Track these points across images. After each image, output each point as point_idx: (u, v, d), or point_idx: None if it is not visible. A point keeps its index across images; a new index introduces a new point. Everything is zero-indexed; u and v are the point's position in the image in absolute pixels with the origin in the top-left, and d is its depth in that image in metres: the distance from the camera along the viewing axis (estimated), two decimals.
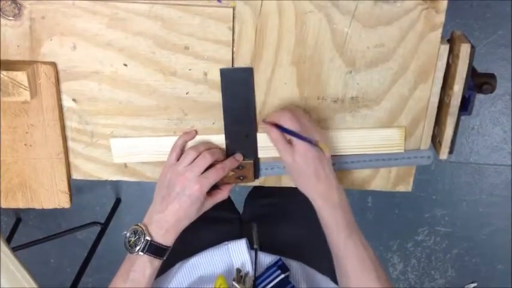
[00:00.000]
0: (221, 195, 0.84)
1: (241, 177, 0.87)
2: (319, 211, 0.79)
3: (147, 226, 0.79)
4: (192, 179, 0.78)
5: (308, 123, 0.79)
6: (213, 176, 0.80)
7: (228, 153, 0.85)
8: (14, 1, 0.76)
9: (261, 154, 0.87)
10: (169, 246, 0.80)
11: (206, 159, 0.80)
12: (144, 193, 1.99)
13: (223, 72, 0.81)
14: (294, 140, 0.78)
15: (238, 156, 0.85)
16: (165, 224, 0.79)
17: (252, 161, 0.86)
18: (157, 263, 0.79)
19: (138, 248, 0.77)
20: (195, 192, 0.78)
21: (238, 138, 0.85)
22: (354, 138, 0.86)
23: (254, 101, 0.82)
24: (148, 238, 0.78)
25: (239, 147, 0.85)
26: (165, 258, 0.80)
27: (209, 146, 0.84)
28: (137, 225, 0.79)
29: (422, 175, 1.95)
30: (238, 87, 0.82)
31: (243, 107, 0.83)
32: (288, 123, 0.78)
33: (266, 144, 0.85)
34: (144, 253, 0.78)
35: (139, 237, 0.78)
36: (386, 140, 0.86)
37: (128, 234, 0.79)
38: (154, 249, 0.78)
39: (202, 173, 0.80)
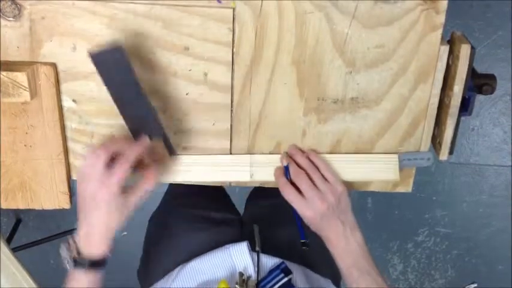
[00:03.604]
0: (146, 186, 0.77)
1: (157, 160, 0.80)
2: (331, 252, 0.82)
3: (75, 242, 0.77)
4: (95, 184, 0.73)
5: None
6: (118, 172, 0.73)
7: (135, 138, 0.79)
8: (14, 2, 0.76)
9: (259, 176, 0.87)
10: (104, 257, 0.77)
11: (100, 157, 0.73)
12: None
13: (94, 56, 0.74)
14: (305, 192, 0.79)
15: (143, 140, 0.78)
16: (91, 237, 0.75)
17: (160, 139, 0.80)
18: (91, 276, 0.76)
19: (69, 264, 0.76)
20: (104, 197, 0.73)
21: (137, 120, 0.79)
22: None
23: (137, 78, 0.76)
24: (76, 255, 0.76)
25: (143, 130, 0.79)
26: (104, 267, 0.78)
27: (106, 141, 0.78)
28: (70, 237, 0.77)
29: (422, 176, 1.95)
30: (115, 68, 0.75)
31: (129, 87, 0.76)
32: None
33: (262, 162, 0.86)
34: (77, 268, 0.76)
35: (67, 252, 0.76)
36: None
37: (60, 251, 0.77)
38: (86, 263, 0.76)
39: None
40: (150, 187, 0.78)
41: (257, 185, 0.90)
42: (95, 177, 0.73)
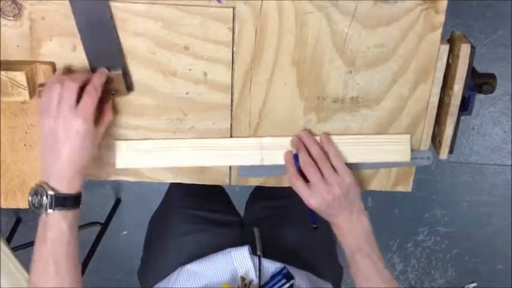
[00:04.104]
0: (107, 118, 0.79)
1: (113, 92, 0.80)
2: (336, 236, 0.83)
3: (46, 182, 0.73)
4: (71, 115, 0.71)
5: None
6: (89, 102, 0.72)
7: (93, 71, 0.79)
8: (14, 1, 0.76)
9: (267, 161, 0.85)
10: (79, 192, 0.74)
11: (72, 88, 0.72)
12: (144, 193, 1.99)
13: None
14: (312, 184, 0.79)
15: (102, 70, 0.77)
16: (64, 172, 0.73)
17: (120, 72, 0.78)
18: (71, 214, 0.74)
19: (44, 207, 0.72)
20: (81, 127, 0.72)
21: (98, 50, 0.77)
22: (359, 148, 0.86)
23: (109, 6, 0.75)
24: (51, 193, 0.72)
25: (103, 61, 0.77)
26: (80, 206, 0.75)
27: (66, 73, 0.77)
28: (36, 184, 0.73)
29: (422, 175, 1.95)
30: None
31: (96, 11, 0.74)
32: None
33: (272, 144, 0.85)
34: (54, 209, 0.72)
35: (41, 196, 0.72)
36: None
37: (29, 198, 0.73)
38: (62, 201, 0.73)
39: (78, 103, 0.72)
40: (111, 118, 0.80)
41: (257, 183, 0.90)
42: (67, 108, 0.71)
